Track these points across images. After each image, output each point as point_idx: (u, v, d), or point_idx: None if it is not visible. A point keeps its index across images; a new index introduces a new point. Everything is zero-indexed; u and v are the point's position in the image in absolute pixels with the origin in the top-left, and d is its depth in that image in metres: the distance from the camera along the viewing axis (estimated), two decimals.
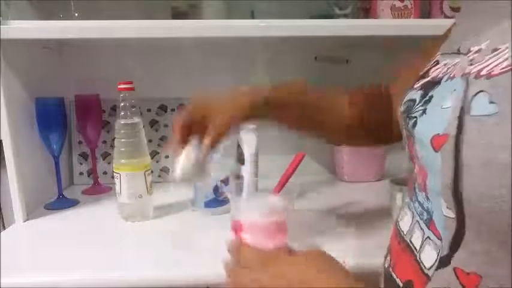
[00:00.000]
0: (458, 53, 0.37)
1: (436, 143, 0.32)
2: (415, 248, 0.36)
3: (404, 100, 0.41)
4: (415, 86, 0.40)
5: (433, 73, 0.38)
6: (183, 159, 0.52)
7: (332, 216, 0.76)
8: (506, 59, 0.29)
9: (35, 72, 0.85)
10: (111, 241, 0.68)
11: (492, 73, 0.29)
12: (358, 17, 0.89)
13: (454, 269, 0.31)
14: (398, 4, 0.83)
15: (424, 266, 0.34)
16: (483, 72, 0.30)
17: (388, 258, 0.42)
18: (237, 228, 0.45)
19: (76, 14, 0.87)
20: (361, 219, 0.74)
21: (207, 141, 0.53)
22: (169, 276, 0.57)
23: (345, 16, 0.86)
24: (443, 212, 0.32)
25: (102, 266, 0.59)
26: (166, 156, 1.00)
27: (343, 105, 0.62)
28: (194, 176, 0.53)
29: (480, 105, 0.29)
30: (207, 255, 0.61)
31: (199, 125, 0.54)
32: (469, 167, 0.28)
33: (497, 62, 0.30)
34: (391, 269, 0.40)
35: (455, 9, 0.84)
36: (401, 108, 0.41)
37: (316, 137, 0.67)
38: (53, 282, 0.56)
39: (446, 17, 0.84)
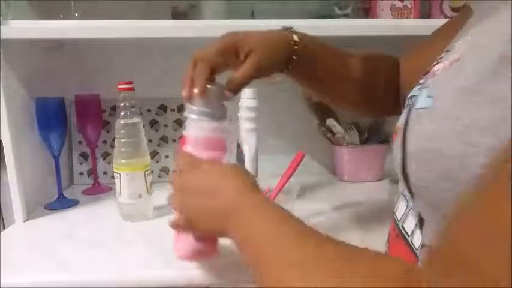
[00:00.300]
0: None
1: (395, 134, 0.36)
2: (406, 233, 0.39)
3: (409, 95, 0.42)
4: (420, 82, 0.41)
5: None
6: (206, 97, 0.46)
7: (332, 216, 0.76)
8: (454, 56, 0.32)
9: (35, 72, 0.85)
10: (111, 241, 0.68)
11: (439, 70, 0.33)
12: (358, 17, 0.89)
13: (423, 246, 0.34)
14: (398, 4, 0.83)
15: (415, 248, 0.37)
16: (438, 72, 0.33)
17: (387, 244, 0.45)
18: (183, 142, 0.50)
19: (76, 14, 0.88)
20: (361, 219, 0.74)
21: (238, 74, 0.48)
22: (169, 276, 0.57)
23: (345, 16, 0.86)
24: (407, 195, 0.36)
25: (102, 266, 0.59)
26: (166, 156, 1.00)
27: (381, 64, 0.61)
28: (215, 116, 0.48)
29: (422, 99, 0.32)
30: None
31: (229, 58, 0.49)
32: (411, 154, 0.32)
33: (448, 60, 0.32)
34: (387, 254, 0.43)
35: (455, 9, 0.84)
36: (406, 104, 0.42)
37: (335, 92, 0.61)
38: (53, 282, 0.56)
39: (446, 17, 0.84)
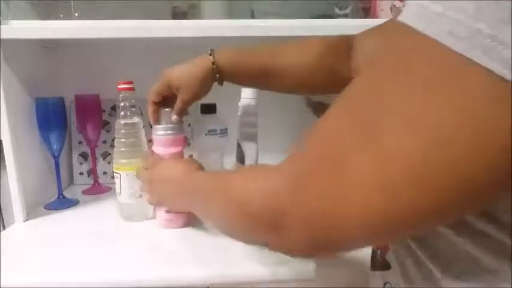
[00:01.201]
0: None
1: None
2: None
3: None
4: None
5: None
6: (162, 122, 0.69)
7: None
8: None
9: (35, 72, 0.85)
10: (111, 241, 0.68)
11: None
12: (358, 17, 0.89)
13: None
14: (398, 4, 0.83)
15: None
16: None
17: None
18: (151, 143, 0.71)
19: (76, 14, 0.88)
20: None
21: (175, 106, 0.67)
22: (170, 276, 0.57)
23: (345, 16, 0.86)
24: None
25: (102, 266, 0.59)
26: None
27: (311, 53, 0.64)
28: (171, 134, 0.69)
29: None
30: (207, 255, 0.61)
31: (169, 94, 0.67)
32: None
33: None
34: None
35: None
36: None
37: (277, 89, 0.70)
38: (53, 282, 0.56)
39: None
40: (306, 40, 0.65)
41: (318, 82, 0.64)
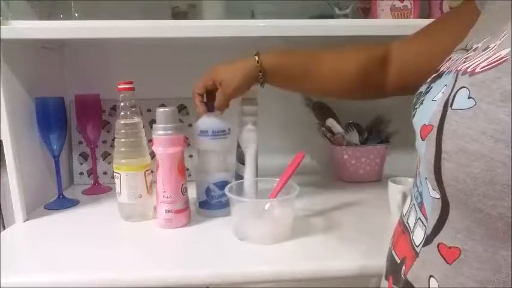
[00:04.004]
0: (465, 49, 0.38)
1: (423, 132, 0.36)
2: (409, 228, 0.40)
3: (416, 93, 0.43)
4: (428, 80, 0.42)
5: (442, 67, 0.40)
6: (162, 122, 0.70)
7: (332, 216, 0.76)
8: (489, 57, 0.31)
9: (35, 72, 0.85)
10: (111, 241, 0.68)
11: (474, 70, 0.32)
12: (358, 17, 0.89)
13: (438, 245, 0.34)
14: (398, 4, 0.83)
15: (415, 244, 0.38)
16: (469, 70, 0.33)
17: (392, 238, 0.45)
18: (151, 143, 0.71)
19: (76, 14, 0.88)
20: (360, 219, 0.74)
21: (216, 99, 0.72)
22: (170, 276, 0.57)
23: (345, 16, 0.86)
24: (430, 193, 0.35)
25: (102, 266, 0.59)
26: None
27: (346, 59, 0.69)
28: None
29: (460, 100, 0.32)
30: (207, 255, 0.62)
31: (212, 87, 0.72)
32: (447, 154, 0.31)
33: (481, 60, 0.32)
34: (392, 248, 0.44)
35: None
36: (413, 101, 0.43)
37: (315, 91, 0.78)
38: (53, 282, 0.56)
39: None
40: (346, 48, 0.69)
41: (354, 86, 0.69)
